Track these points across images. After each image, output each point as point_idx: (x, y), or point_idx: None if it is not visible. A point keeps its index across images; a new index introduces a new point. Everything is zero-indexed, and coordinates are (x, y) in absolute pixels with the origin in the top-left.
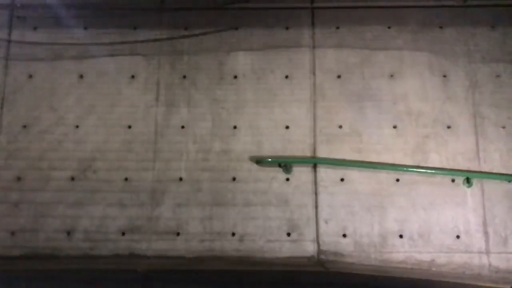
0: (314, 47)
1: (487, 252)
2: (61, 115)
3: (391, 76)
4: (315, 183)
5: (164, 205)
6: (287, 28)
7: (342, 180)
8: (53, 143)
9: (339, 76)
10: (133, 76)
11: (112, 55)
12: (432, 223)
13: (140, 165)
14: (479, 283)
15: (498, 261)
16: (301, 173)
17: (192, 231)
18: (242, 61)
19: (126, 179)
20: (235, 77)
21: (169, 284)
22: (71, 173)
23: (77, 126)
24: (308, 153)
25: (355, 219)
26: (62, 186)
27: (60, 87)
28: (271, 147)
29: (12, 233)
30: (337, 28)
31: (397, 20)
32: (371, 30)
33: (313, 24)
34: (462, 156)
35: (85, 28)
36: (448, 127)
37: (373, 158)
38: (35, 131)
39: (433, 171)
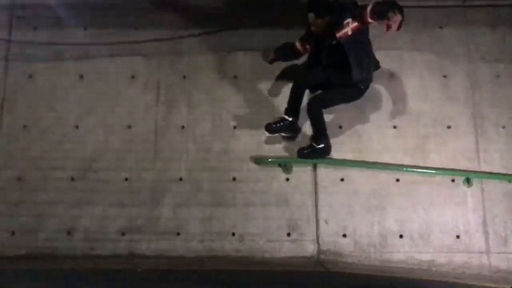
0: None
1: (487, 252)
2: (61, 115)
3: (391, 76)
4: (315, 183)
5: (164, 205)
6: (287, 28)
7: (342, 180)
8: (53, 143)
9: None
10: (133, 76)
11: (112, 55)
12: (432, 223)
13: (140, 165)
14: (479, 283)
15: (498, 261)
16: (301, 173)
17: (192, 231)
18: (242, 61)
19: (126, 179)
20: (235, 77)
21: (169, 284)
22: (71, 173)
23: (77, 126)
24: None
25: (355, 219)
26: (62, 186)
27: (60, 87)
28: (271, 147)
29: (12, 233)
30: None
31: None
32: (371, 30)
33: None
34: (462, 156)
35: (85, 28)
36: (448, 127)
37: (373, 158)
38: (35, 131)
39: (433, 171)
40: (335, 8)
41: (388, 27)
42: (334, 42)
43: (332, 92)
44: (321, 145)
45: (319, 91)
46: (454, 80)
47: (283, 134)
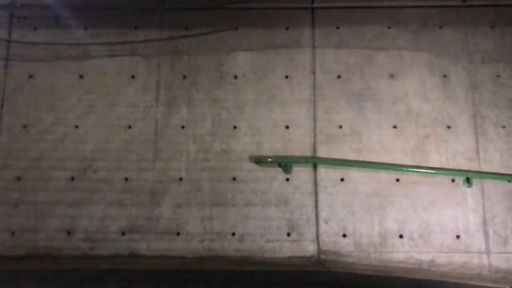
0: (314, 47)
1: (487, 252)
2: (61, 115)
3: (391, 76)
4: (315, 183)
5: (164, 205)
6: (287, 28)
7: (342, 180)
8: (53, 143)
9: (339, 76)
10: (133, 76)
11: (112, 55)
12: (432, 223)
13: (140, 165)
14: (479, 283)
15: (498, 261)
16: (301, 173)
17: (192, 231)
18: (242, 61)
19: (126, 179)
20: (235, 77)
21: (169, 284)
22: (71, 173)
23: (77, 126)
24: (308, 153)
25: (355, 219)
26: (62, 186)
27: (60, 87)
28: (271, 147)
29: (12, 233)
30: (337, 28)
31: (397, 20)
32: (371, 30)
33: (313, 24)
34: (462, 156)
35: (85, 28)
36: (448, 127)
37: (373, 158)
38: (35, 131)
39: (433, 171)
40: None
41: None
42: None
43: None
44: None
45: None
46: (454, 80)
47: None
